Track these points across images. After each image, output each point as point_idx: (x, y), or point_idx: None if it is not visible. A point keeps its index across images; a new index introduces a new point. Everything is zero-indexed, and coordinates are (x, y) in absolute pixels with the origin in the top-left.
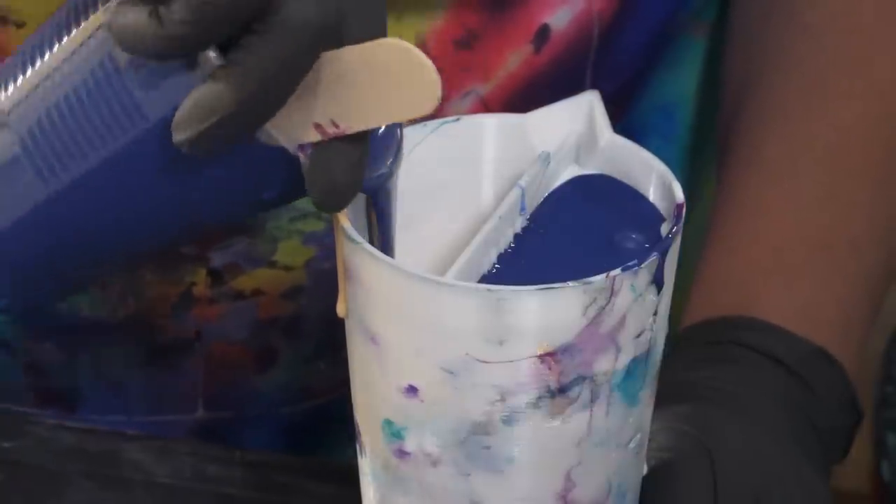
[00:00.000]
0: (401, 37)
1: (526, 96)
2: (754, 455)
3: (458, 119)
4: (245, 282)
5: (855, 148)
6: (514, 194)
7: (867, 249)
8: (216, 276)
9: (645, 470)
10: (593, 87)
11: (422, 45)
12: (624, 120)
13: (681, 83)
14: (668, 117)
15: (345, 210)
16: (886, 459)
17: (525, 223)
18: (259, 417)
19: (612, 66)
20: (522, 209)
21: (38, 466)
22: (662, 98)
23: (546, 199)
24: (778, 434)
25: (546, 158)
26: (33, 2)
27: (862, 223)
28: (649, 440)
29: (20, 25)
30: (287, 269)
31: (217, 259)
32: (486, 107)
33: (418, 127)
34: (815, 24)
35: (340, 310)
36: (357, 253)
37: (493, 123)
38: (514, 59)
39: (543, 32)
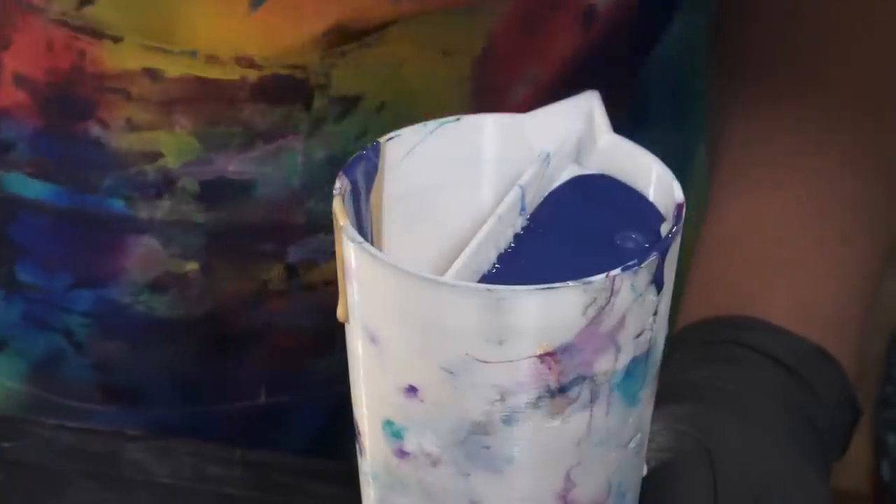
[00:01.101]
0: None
1: (573, 76)
2: (754, 455)
3: (458, 119)
4: (318, 274)
5: (847, 144)
6: (514, 194)
7: (860, 242)
8: (291, 270)
9: (645, 470)
10: (632, 63)
11: (492, 40)
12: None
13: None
14: (673, 75)
15: (345, 210)
16: (886, 459)
17: (525, 223)
18: (316, 398)
19: (650, 41)
20: (522, 209)
21: (38, 466)
22: (669, 53)
23: (546, 199)
24: (778, 434)
25: (546, 158)
26: (133, 12)
27: (855, 216)
28: (649, 440)
29: (117, 40)
30: None
31: (294, 254)
32: (541, 88)
33: (418, 127)
34: (809, 15)
35: (340, 314)
36: (357, 253)
37: (493, 123)
38: (566, 40)
39: (590, 12)
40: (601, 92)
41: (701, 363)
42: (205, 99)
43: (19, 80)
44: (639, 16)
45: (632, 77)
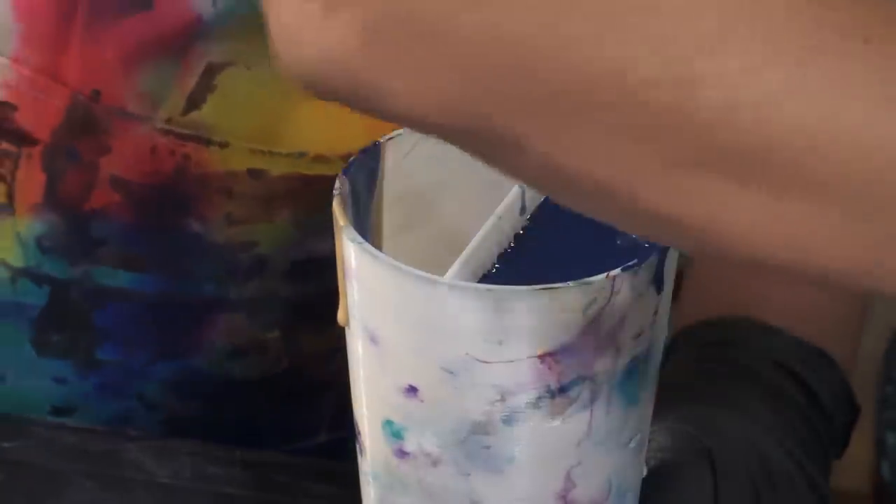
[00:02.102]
0: None
1: None
2: (754, 455)
3: None
4: None
5: None
6: (514, 194)
7: None
8: None
9: (645, 471)
10: None
11: None
12: None
13: None
14: None
15: (345, 210)
16: (886, 459)
17: (525, 223)
18: None
19: None
20: (522, 209)
21: (38, 466)
22: None
23: (546, 198)
24: (777, 433)
25: None
26: (239, 117)
27: None
28: (649, 440)
29: (223, 146)
30: None
31: None
32: None
33: None
34: None
35: (341, 318)
36: (357, 253)
37: None
38: None
39: None
40: None
41: (701, 363)
42: (307, 193)
43: (116, 182)
44: None
45: None
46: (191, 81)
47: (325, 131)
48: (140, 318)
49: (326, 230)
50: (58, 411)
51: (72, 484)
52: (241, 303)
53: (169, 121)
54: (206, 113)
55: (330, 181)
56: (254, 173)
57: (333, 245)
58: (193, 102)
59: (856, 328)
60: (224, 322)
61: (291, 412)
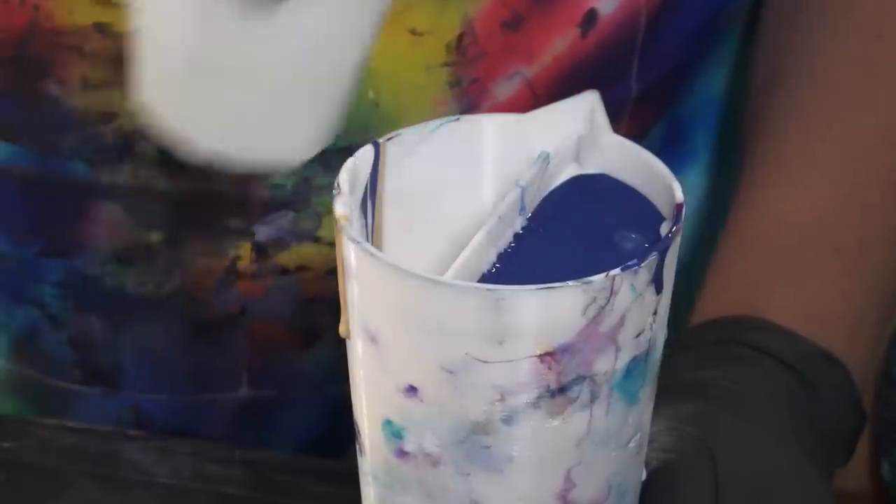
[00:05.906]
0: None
1: (571, 80)
2: (757, 456)
3: (457, 119)
4: (289, 257)
5: (874, 154)
6: (514, 194)
7: (879, 252)
8: (261, 250)
9: (645, 472)
10: (639, 74)
11: (469, 27)
12: (671, 112)
13: (728, 76)
14: (715, 110)
15: (345, 210)
16: (886, 459)
17: (525, 223)
18: (302, 396)
19: (659, 54)
20: (522, 209)
21: (38, 466)
22: (711, 91)
23: (546, 198)
24: (781, 435)
25: (546, 158)
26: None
27: (875, 225)
28: (652, 441)
29: None
30: (332, 244)
31: (262, 233)
32: (532, 89)
33: (418, 127)
34: (846, 27)
35: (342, 331)
36: (357, 253)
37: (493, 123)
38: (561, 42)
39: (591, 16)
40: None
41: (705, 362)
42: None
43: None
44: (648, 25)
45: (660, 101)
46: None
47: None
48: (21, 199)
49: None
50: None
51: (72, 484)
52: (116, 190)
53: None
54: None
55: None
56: (99, 28)
57: None
58: None
59: (870, 332)
60: (101, 212)
61: (201, 350)
